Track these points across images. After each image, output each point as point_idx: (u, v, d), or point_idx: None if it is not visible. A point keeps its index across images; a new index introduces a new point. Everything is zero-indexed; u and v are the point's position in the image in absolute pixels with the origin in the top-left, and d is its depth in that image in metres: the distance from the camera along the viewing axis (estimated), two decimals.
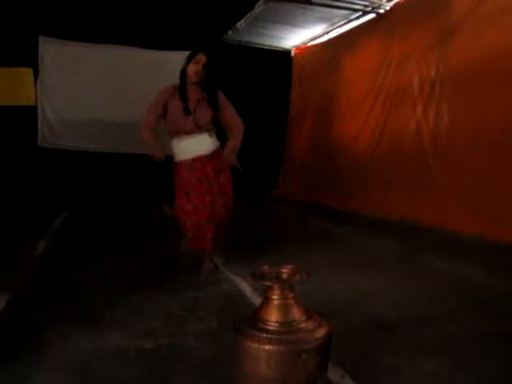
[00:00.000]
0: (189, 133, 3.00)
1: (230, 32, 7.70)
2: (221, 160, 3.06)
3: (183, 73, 3.05)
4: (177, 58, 7.94)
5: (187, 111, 2.97)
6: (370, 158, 6.45)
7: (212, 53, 3.06)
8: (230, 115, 3.13)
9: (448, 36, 5.14)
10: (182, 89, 3.04)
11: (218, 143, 3.16)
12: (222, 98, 3.11)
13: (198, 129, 2.99)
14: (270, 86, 8.66)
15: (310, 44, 8.31)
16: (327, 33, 7.62)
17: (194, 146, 3.02)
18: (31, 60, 7.01)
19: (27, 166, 7.08)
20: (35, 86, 7.15)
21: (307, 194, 7.68)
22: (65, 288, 2.82)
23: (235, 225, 3.35)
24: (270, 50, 8.57)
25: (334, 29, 7.39)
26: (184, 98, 3.01)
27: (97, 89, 7.46)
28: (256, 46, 8.39)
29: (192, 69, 2.98)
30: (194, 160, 3.00)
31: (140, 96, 7.74)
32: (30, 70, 7.06)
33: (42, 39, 7.12)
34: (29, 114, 7.11)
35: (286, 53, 8.80)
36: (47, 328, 2.13)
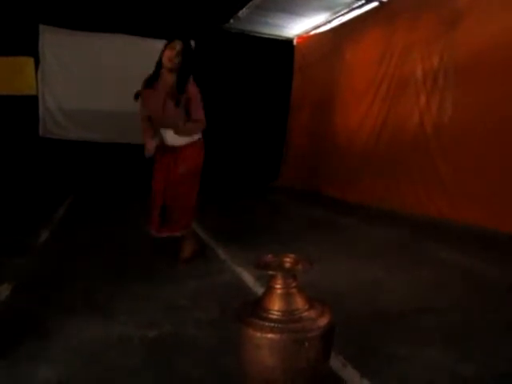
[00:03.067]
0: (160, 125, 3.02)
1: (231, 21, 7.64)
2: (189, 152, 3.05)
3: (158, 60, 2.99)
4: None
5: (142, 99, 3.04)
6: (372, 147, 6.43)
7: (188, 40, 3.02)
8: (194, 111, 3.01)
9: (452, 25, 5.10)
10: (152, 77, 3.02)
11: (193, 138, 3.09)
12: (192, 90, 2.99)
13: (166, 124, 2.98)
14: (272, 76, 8.62)
15: (312, 33, 8.24)
16: (330, 21, 7.56)
17: (165, 134, 3.03)
18: (32, 49, 6.99)
19: (29, 156, 7.08)
20: (36, 76, 7.12)
21: (309, 184, 7.68)
22: (68, 277, 2.83)
23: (236, 214, 3.33)
24: (272, 38, 8.51)
25: (337, 17, 7.33)
26: (150, 85, 3.00)
27: (98, 78, 7.43)
28: (258, 34, 8.33)
29: (166, 55, 2.91)
30: (164, 146, 3.03)
31: (141, 85, 7.75)
32: (31, 59, 7.03)
33: (42, 28, 7.08)
34: (30, 103, 7.09)
35: (288, 42, 8.74)
36: (51, 317, 2.14)
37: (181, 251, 3.16)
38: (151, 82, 3.01)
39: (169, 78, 2.97)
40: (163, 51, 2.95)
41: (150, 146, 2.99)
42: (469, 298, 2.48)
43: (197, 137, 3.10)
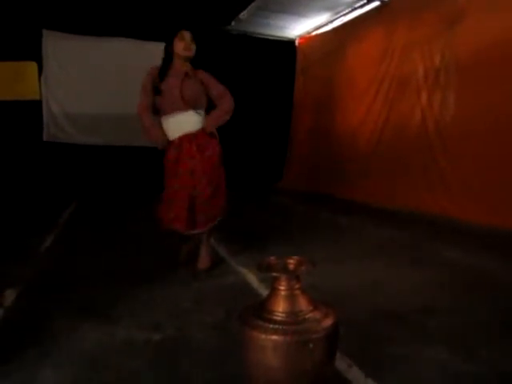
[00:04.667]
0: (177, 110, 2.91)
1: (233, 23, 7.65)
2: (206, 136, 2.98)
3: (168, 54, 2.99)
4: None
5: (158, 91, 2.92)
6: (374, 147, 6.42)
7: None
8: (217, 89, 3.03)
9: (453, 23, 5.08)
10: (162, 68, 2.98)
11: (203, 120, 3.03)
12: (205, 75, 3.03)
13: (185, 105, 2.91)
14: (275, 77, 8.62)
15: (314, 33, 8.24)
16: (331, 22, 7.56)
17: (182, 123, 2.93)
18: (35, 54, 7.02)
19: (33, 160, 7.11)
20: (39, 80, 7.16)
21: (313, 185, 7.67)
22: (73, 281, 2.84)
23: (240, 216, 3.32)
24: (274, 40, 8.51)
25: (339, 17, 7.33)
26: (163, 76, 2.95)
27: (101, 82, 7.46)
28: (260, 36, 8.33)
29: (180, 45, 2.92)
30: (182, 138, 2.92)
31: (146, 77, 7.75)
32: (34, 64, 7.06)
33: (45, 33, 7.12)
34: (34, 108, 7.13)
35: (290, 42, 8.74)
36: (56, 320, 2.15)
37: (200, 257, 3.04)
38: (163, 71, 2.96)
39: (183, 67, 2.97)
40: (172, 44, 2.95)
41: (163, 137, 2.93)
42: (471, 297, 2.47)
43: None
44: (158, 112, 3.00)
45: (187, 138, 2.92)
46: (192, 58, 3.00)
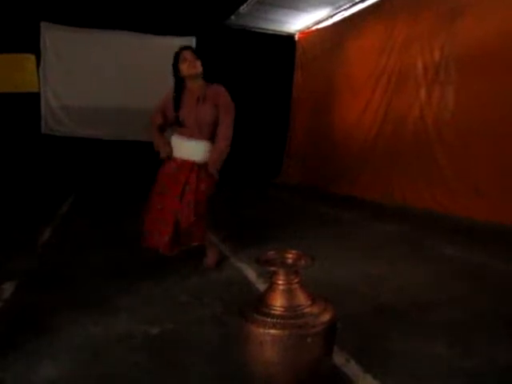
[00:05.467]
0: (190, 136, 2.94)
1: (232, 17, 7.61)
2: (208, 171, 2.97)
3: (178, 79, 2.99)
4: (179, 43, 7.91)
5: (178, 121, 2.94)
6: (373, 142, 6.42)
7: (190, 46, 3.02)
8: (225, 122, 2.98)
9: (453, 19, 5.07)
10: (176, 97, 2.98)
11: (205, 156, 3.01)
12: (220, 93, 3.00)
13: (198, 134, 2.93)
14: (274, 71, 8.60)
15: (314, 28, 8.21)
16: (331, 16, 7.53)
17: (191, 149, 2.94)
18: (33, 46, 6.99)
19: (31, 153, 7.10)
20: (38, 73, 7.13)
21: (311, 180, 7.68)
22: (71, 274, 2.84)
23: (239, 211, 3.32)
24: (274, 34, 8.48)
25: (339, 12, 7.29)
26: (178, 106, 2.95)
27: (99, 75, 7.44)
28: (259, 30, 8.30)
29: (184, 66, 2.92)
30: (185, 162, 2.93)
31: (143, 82, 7.75)
32: (33, 57, 7.03)
33: (43, 25, 7.09)
34: (32, 100, 7.10)
35: (289, 37, 8.71)
36: (55, 314, 2.15)
37: (207, 257, 3.05)
38: (178, 95, 2.97)
39: (195, 85, 2.97)
40: (177, 69, 2.95)
41: (168, 149, 2.95)
42: (471, 292, 2.48)
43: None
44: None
45: (190, 164, 2.92)
46: (201, 75, 2.98)
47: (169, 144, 2.99)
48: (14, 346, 1.81)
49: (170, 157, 2.96)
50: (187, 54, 2.93)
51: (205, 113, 2.93)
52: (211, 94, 2.97)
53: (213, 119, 2.96)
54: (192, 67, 2.92)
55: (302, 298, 1.40)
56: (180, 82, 2.99)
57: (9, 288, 2.53)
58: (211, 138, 2.98)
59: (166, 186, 2.91)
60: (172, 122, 3.02)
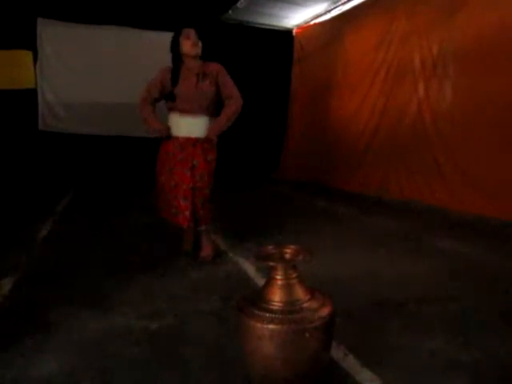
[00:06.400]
0: (189, 112, 2.94)
1: (230, 11, 7.57)
2: (212, 144, 3.03)
3: (176, 55, 2.99)
4: None
5: (171, 96, 2.94)
6: (371, 137, 6.42)
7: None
8: (227, 90, 3.04)
9: (452, 13, 5.05)
10: (174, 71, 2.98)
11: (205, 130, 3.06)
12: (220, 70, 3.04)
13: (198, 109, 2.95)
14: (272, 67, 8.57)
15: (311, 23, 8.18)
16: (329, 11, 7.49)
17: (192, 126, 2.97)
18: (30, 42, 6.95)
19: (28, 149, 7.08)
20: (35, 69, 7.09)
21: (310, 175, 7.67)
22: (70, 270, 2.84)
23: (237, 206, 3.33)
24: (271, 29, 8.45)
25: (337, 7, 7.26)
26: (176, 79, 2.95)
27: (97, 71, 7.41)
28: (257, 25, 8.26)
29: (187, 44, 2.93)
30: (187, 139, 2.95)
31: (140, 77, 7.69)
32: (30, 53, 7.00)
33: (40, 21, 7.05)
34: (29, 97, 7.07)
35: (287, 32, 8.68)
36: (54, 309, 2.16)
37: (201, 249, 3.06)
38: (176, 72, 2.97)
39: (194, 64, 2.98)
40: (178, 43, 2.96)
41: (162, 127, 2.96)
42: (469, 286, 2.49)
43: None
44: (168, 109, 3.04)
45: (192, 140, 2.95)
46: (200, 55, 3.00)
47: (162, 123, 2.99)
48: (13, 342, 1.81)
49: (168, 136, 2.96)
50: (191, 33, 2.94)
51: (206, 89, 2.96)
52: (210, 70, 3.00)
53: (212, 95, 2.99)
54: (194, 47, 2.94)
55: (300, 293, 1.41)
56: (178, 57, 2.99)
57: (7, 284, 2.54)
58: (211, 114, 3.02)
59: (173, 164, 2.94)
60: (165, 98, 3.02)
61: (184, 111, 2.95)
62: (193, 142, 2.95)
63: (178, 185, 2.91)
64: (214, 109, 3.07)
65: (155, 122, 3.00)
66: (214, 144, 3.04)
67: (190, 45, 2.93)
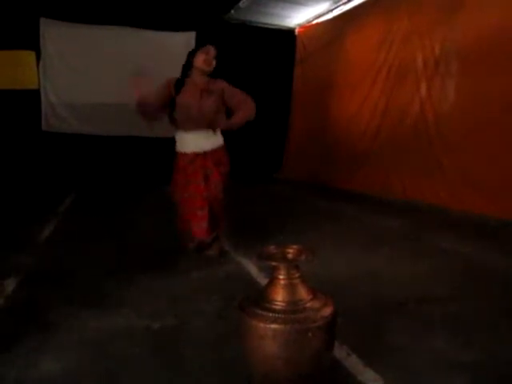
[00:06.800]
0: (195, 128, 2.97)
1: (232, 11, 7.57)
2: (222, 154, 3.08)
3: (188, 63, 3.02)
4: (180, 38, 7.89)
5: (173, 105, 2.97)
6: (373, 136, 6.40)
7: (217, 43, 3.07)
8: (238, 97, 3.07)
9: (454, 12, 5.04)
10: (180, 78, 3.02)
11: (222, 140, 3.13)
12: (225, 85, 3.07)
13: (203, 124, 2.97)
14: (274, 66, 8.57)
15: (314, 22, 8.17)
16: (331, 10, 7.48)
17: (198, 140, 3.00)
18: (33, 43, 6.96)
19: (32, 150, 7.09)
20: (38, 69, 7.11)
21: (312, 175, 7.66)
22: (72, 270, 2.84)
23: (240, 206, 3.33)
24: (274, 29, 8.44)
25: (339, 6, 7.25)
26: (179, 88, 2.98)
27: (99, 71, 7.40)
28: (259, 25, 8.26)
29: (202, 58, 2.96)
30: (196, 154, 2.99)
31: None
32: (33, 53, 7.00)
33: (43, 21, 7.05)
34: (32, 97, 7.09)
35: (289, 32, 8.67)
36: (56, 309, 2.16)
37: (209, 249, 3.10)
38: (180, 84, 3.01)
39: (200, 80, 3.01)
40: (194, 55, 2.99)
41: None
42: (470, 287, 2.48)
43: (222, 140, 3.11)
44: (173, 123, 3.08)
45: (202, 155, 2.99)
46: (210, 73, 3.03)
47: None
48: (15, 342, 1.82)
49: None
50: (211, 50, 2.99)
51: (209, 105, 2.97)
52: (216, 88, 3.02)
53: (216, 110, 3.01)
54: (208, 63, 2.98)
55: (302, 293, 1.41)
56: (189, 65, 3.02)
57: (11, 284, 2.55)
58: (213, 123, 3.03)
59: (186, 179, 2.98)
60: (165, 106, 3.03)
61: (187, 128, 2.99)
62: (203, 155, 2.99)
63: (193, 196, 2.95)
64: (222, 118, 3.07)
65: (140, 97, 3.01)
66: (224, 154, 3.08)
67: (203, 60, 2.96)
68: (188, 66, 3.02)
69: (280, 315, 1.34)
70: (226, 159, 3.11)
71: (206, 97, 2.97)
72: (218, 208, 3.03)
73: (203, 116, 2.95)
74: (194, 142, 2.99)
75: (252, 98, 3.10)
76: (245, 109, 3.03)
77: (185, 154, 3.01)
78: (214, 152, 3.02)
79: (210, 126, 2.98)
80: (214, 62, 3.00)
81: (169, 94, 3.00)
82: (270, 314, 1.35)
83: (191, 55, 3.01)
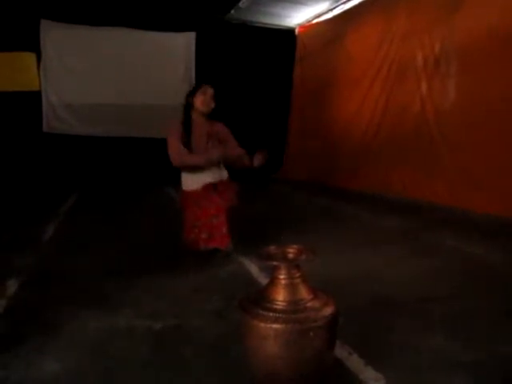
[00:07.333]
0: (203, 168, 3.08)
1: (232, 11, 7.58)
2: (228, 182, 3.23)
3: (188, 105, 3.09)
4: (180, 39, 7.90)
5: (188, 146, 3.01)
6: (374, 135, 6.41)
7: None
8: (232, 144, 3.25)
9: (454, 10, 5.04)
10: (185, 122, 3.07)
11: (226, 172, 3.27)
12: (223, 130, 3.23)
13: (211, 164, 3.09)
14: (274, 66, 8.57)
15: (314, 22, 8.17)
16: (332, 9, 7.49)
17: (205, 177, 3.09)
18: (34, 44, 6.98)
19: (33, 151, 7.11)
20: (38, 71, 7.12)
21: (312, 174, 7.67)
22: (73, 272, 2.85)
23: (241, 205, 3.34)
24: (274, 28, 8.45)
25: (339, 5, 7.25)
26: (188, 132, 3.04)
27: (100, 72, 7.43)
28: (259, 25, 8.27)
29: (200, 99, 3.04)
30: (203, 188, 3.08)
31: (143, 78, 7.74)
32: (33, 55, 7.02)
33: (43, 23, 7.07)
34: (33, 99, 7.10)
35: (289, 31, 8.68)
36: (58, 310, 2.17)
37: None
38: (188, 127, 3.06)
39: (202, 121, 3.10)
40: (193, 95, 3.06)
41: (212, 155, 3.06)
42: (471, 285, 2.48)
43: (226, 174, 3.28)
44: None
45: (207, 186, 3.08)
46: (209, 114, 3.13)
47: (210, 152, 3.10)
48: (18, 343, 1.82)
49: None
50: (208, 90, 3.07)
51: (214, 147, 3.12)
52: (216, 131, 3.16)
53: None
54: (207, 104, 3.07)
55: (303, 293, 1.41)
56: (189, 112, 3.09)
57: (13, 285, 2.55)
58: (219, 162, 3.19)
59: (198, 203, 3.03)
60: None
61: (194, 169, 3.08)
62: (210, 187, 3.09)
63: (207, 207, 3.00)
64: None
65: (201, 158, 3.05)
66: (230, 182, 3.25)
67: (202, 101, 3.04)
68: (188, 107, 3.09)
69: (281, 315, 1.34)
70: (234, 184, 3.25)
71: (211, 141, 3.12)
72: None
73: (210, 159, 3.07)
74: (202, 179, 3.07)
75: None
76: (236, 152, 3.23)
77: (191, 194, 3.07)
78: (221, 182, 3.15)
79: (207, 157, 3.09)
80: (212, 103, 3.09)
81: (181, 138, 3.05)
82: (271, 314, 1.35)
83: (190, 96, 3.08)
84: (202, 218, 3.00)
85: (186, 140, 3.01)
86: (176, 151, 3.02)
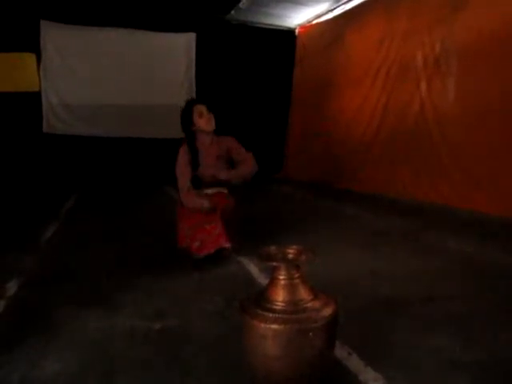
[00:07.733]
0: (211, 183, 3.12)
1: (232, 12, 7.59)
2: (225, 195, 3.24)
3: (190, 132, 3.09)
4: (180, 39, 7.91)
5: (195, 165, 3.06)
6: (374, 135, 6.41)
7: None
8: (241, 155, 3.24)
9: (454, 10, 5.04)
10: (190, 142, 3.08)
11: (226, 190, 3.28)
12: (232, 142, 3.23)
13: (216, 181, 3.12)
14: (275, 66, 8.59)
15: (314, 22, 8.18)
16: (332, 10, 7.49)
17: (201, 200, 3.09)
18: (33, 45, 6.98)
19: (33, 152, 7.11)
20: (38, 71, 7.13)
21: (313, 175, 7.67)
22: (73, 272, 2.85)
23: (241, 206, 3.34)
24: (274, 29, 8.45)
25: (339, 6, 7.26)
26: (196, 166, 3.06)
27: (100, 73, 7.44)
28: (259, 25, 8.28)
29: (202, 122, 3.03)
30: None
31: (143, 79, 7.76)
32: (33, 56, 7.03)
33: (43, 24, 7.08)
34: (33, 99, 7.11)
35: (289, 32, 8.68)
36: (59, 310, 2.17)
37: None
38: (193, 147, 3.08)
39: (207, 139, 3.11)
40: (190, 114, 3.05)
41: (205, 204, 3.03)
42: (471, 285, 2.48)
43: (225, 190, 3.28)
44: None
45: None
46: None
47: (201, 198, 3.08)
48: (18, 343, 1.82)
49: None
50: (203, 109, 3.05)
51: (221, 167, 3.15)
52: (224, 146, 3.16)
53: (224, 167, 3.21)
54: (210, 123, 3.06)
55: (303, 293, 1.41)
56: (192, 136, 3.08)
57: (13, 286, 2.55)
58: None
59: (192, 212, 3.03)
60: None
61: (206, 183, 3.14)
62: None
63: (198, 214, 2.98)
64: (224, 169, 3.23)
65: (198, 200, 3.04)
66: (227, 195, 3.23)
67: (205, 122, 3.04)
68: (188, 126, 3.08)
69: (281, 315, 1.34)
70: (231, 199, 3.24)
71: (220, 163, 3.14)
72: (228, 217, 3.06)
73: (216, 180, 3.12)
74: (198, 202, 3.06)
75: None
76: (247, 165, 3.20)
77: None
78: (217, 193, 3.17)
79: (213, 178, 3.12)
80: (212, 121, 3.08)
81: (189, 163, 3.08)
82: (271, 315, 1.35)
83: (187, 115, 3.07)
84: (194, 222, 2.97)
85: (194, 164, 3.05)
86: (181, 186, 3.08)
